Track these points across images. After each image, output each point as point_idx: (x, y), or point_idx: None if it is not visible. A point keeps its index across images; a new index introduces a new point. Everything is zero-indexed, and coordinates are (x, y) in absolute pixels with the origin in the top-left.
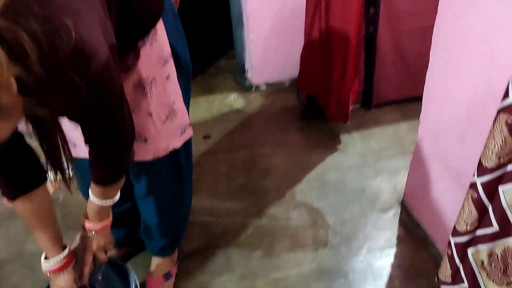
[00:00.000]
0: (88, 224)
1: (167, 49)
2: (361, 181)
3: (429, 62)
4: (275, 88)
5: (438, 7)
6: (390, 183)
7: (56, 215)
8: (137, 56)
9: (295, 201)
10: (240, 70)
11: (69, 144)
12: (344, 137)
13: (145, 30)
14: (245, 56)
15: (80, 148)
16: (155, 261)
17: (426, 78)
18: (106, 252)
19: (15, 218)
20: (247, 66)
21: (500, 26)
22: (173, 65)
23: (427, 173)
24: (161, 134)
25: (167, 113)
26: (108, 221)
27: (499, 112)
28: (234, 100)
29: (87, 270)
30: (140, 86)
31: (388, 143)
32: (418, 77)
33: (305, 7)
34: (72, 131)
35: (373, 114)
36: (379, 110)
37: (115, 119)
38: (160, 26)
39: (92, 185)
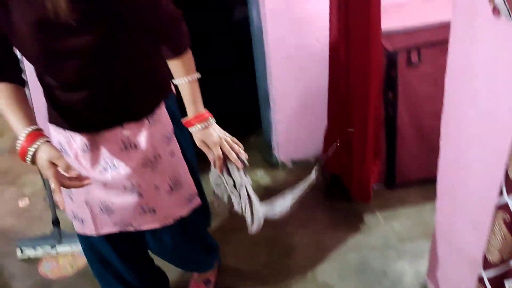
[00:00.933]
0: (200, 115)
1: (170, 128)
2: (383, 263)
3: (440, 151)
4: (300, 165)
5: (444, 99)
6: (413, 267)
7: None
8: (140, 130)
9: (317, 282)
10: (267, 148)
11: (77, 221)
12: (367, 217)
13: (150, 106)
14: (271, 134)
15: (87, 225)
16: None
17: (439, 165)
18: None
19: None
20: (273, 143)
21: (500, 126)
22: (176, 142)
23: (446, 260)
24: (168, 204)
25: (172, 185)
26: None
27: (497, 209)
28: (260, 176)
29: (220, 162)
30: (147, 164)
31: (411, 225)
32: None
33: (327, 89)
34: (81, 207)
35: (397, 194)
36: (403, 190)
37: None
38: (163, 108)
39: (174, 64)
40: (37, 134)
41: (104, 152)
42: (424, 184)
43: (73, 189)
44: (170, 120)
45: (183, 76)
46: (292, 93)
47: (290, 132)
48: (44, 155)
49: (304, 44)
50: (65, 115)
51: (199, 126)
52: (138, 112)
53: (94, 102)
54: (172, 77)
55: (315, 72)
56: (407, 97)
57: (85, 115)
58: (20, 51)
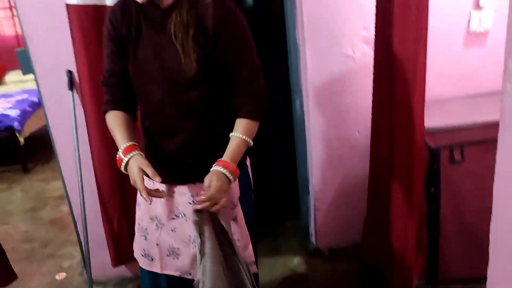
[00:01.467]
0: (228, 164)
1: (237, 196)
2: None
3: (490, 255)
4: (337, 254)
5: (493, 205)
6: None
7: None
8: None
9: None
10: (304, 233)
11: (147, 258)
12: None
13: None
14: (310, 220)
15: (155, 263)
16: None
17: (488, 270)
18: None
19: None
20: (311, 230)
21: None
22: (240, 210)
23: None
24: None
25: None
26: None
27: None
28: (297, 263)
29: (208, 199)
30: None
31: None
32: (488, 256)
33: (367, 181)
34: (153, 247)
35: None
36: (446, 287)
37: (248, 49)
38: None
39: (240, 122)
40: (133, 147)
41: (176, 202)
42: (468, 282)
43: (149, 230)
44: (238, 189)
45: (246, 135)
46: (332, 182)
47: (328, 220)
48: (135, 162)
49: (345, 135)
50: (153, 163)
51: (220, 168)
52: None
53: (182, 153)
54: (248, 153)
55: (355, 162)
56: (450, 193)
57: (171, 164)
58: (139, 93)
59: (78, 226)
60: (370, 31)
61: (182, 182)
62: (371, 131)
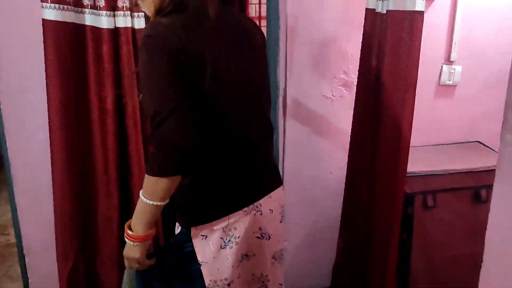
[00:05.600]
0: (130, 233)
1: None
2: None
3: None
4: None
5: (484, 259)
6: None
7: None
8: None
9: None
10: None
11: None
12: None
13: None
14: None
15: None
16: None
17: None
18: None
19: None
20: None
21: None
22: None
23: None
24: None
25: None
26: (152, 231)
27: None
28: None
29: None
30: None
31: None
32: None
33: (339, 224)
34: None
35: None
36: None
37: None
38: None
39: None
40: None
41: None
42: None
43: None
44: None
45: (147, 197)
46: (303, 223)
47: (296, 262)
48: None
49: (319, 176)
50: None
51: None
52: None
53: None
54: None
55: (326, 204)
56: (422, 240)
57: None
58: None
59: (26, 259)
60: (349, 75)
61: None
62: (346, 173)
